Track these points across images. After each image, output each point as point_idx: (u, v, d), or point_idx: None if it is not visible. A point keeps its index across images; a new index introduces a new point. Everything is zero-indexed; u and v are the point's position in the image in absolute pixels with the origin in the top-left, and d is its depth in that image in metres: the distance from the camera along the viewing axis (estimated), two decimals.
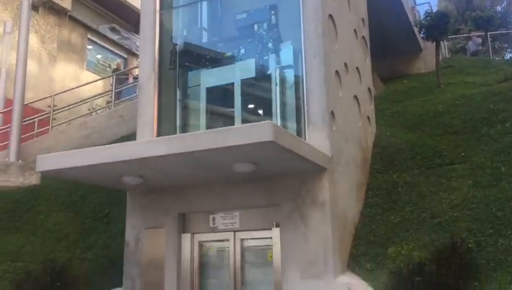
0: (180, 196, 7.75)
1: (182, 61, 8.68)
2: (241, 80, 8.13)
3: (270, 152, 5.89)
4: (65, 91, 15.47)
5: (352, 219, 7.70)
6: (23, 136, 12.36)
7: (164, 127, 8.30)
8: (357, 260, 7.18)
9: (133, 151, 6.22)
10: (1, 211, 10.17)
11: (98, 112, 15.53)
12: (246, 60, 8.25)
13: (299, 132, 7.37)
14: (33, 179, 11.14)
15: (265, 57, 8.04)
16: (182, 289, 7.52)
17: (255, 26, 8.23)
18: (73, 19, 19.18)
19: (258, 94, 8.31)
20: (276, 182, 7.16)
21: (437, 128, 9.94)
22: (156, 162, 6.32)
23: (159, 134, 8.14)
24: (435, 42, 14.62)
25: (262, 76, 8.05)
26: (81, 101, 15.39)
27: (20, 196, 10.59)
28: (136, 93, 13.85)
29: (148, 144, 6.43)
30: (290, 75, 7.91)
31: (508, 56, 28.59)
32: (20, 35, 12.50)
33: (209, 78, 8.49)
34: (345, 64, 8.40)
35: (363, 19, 10.15)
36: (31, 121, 13.52)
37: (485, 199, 7.24)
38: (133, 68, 18.61)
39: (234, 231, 7.52)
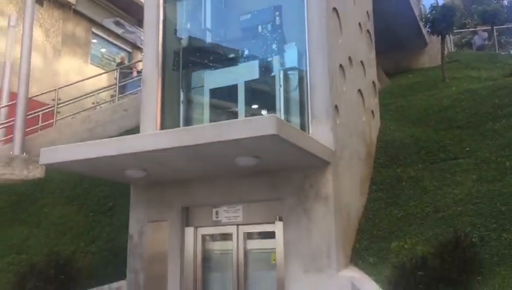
0: (183, 189, 7.76)
1: (185, 56, 8.65)
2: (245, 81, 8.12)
3: (273, 145, 5.88)
4: (69, 85, 15.47)
5: (355, 213, 7.69)
6: (27, 130, 12.38)
7: (168, 120, 8.29)
8: (360, 254, 7.17)
9: (136, 144, 6.22)
10: (5, 204, 10.21)
11: (102, 105, 15.54)
12: (249, 62, 8.19)
13: (303, 126, 7.35)
14: (37, 172, 11.17)
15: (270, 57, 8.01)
16: (185, 282, 7.54)
17: (259, 28, 8.19)
18: (77, 13, 19.16)
19: (261, 88, 8.27)
20: (279, 175, 7.15)
21: (442, 123, 9.90)
22: (159, 156, 6.31)
23: (162, 127, 8.13)
24: (440, 36, 14.53)
25: (266, 70, 8.02)
26: (86, 95, 15.39)
27: (24, 189, 10.63)
28: (140, 87, 13.85)
29: (151, 137, 6.43)
30: (293, 68, 7.87)
31: None
32: (25, 28, 12.49)
33: (213, 77, 8.46)
34: (349, 58, 8.37)
35: (367, 12, 10.09)
36: (36, 114, 13.54)
37: (489, 194, 7.21)
38: (137, 62, 18.59)
39: (237, 225, 7.52)
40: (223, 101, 8.52)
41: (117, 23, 20.89)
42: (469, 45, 23.34)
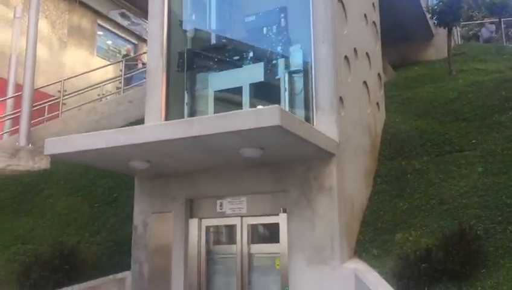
0: (187, 181, 7.76)
1: (190, 56, 8.57)
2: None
3: (277, 137, 5.86)
4: (74, 76, 15.51)
5: (359, 205, 7.67)
6: (33, 121, 12.43)
7: (172, 111, 8.29)
8: (364, 246, 7.16)
9: (140, 135, 6.21)
10: (11, 194, 10.28)
11: (108, 97, 15.57)
12: (255, 64, 8.12)
13: (308, 119, 7.31)
14: (43, 164, 11.23)
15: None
16: (189, 273, 7.56)
17: (264, 29, 8.13)
18: (83, 5, 19.18)
19: (266, 90, 8.18)
20: (283, 167, 7.13)
21: (447, 116, 9.83)
22: (163, 147, 6.31)
23: (167, 118, 8.12)
24: (447, 28, 14.41)
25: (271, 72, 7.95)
26: (91, 86, 15.42)
27: (29, 180, 10.69)
28: (145, 79, 13.85)
29: (155, 128, 6.42)
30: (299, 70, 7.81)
31: None
32: (30, 20, 12.51)
33: (217, 79, 8.41)
34: (355, 50, 8.31)
35: (373, 3, 10.01)
36: (41, 106, 13.59)
37: (495, 186, 7.17)
38: (142, 54, 18.60)
39: (241, 216, 7.53)
40: (228, 104, 8.45)
41: (123, 15, 20.90)
42: (476, 38, 23.15)
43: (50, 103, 13.88)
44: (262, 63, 7.99)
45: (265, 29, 8.15)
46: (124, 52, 19.34)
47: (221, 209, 7.68)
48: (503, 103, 9.49)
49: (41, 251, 8.09)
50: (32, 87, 12.25)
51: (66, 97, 14.19)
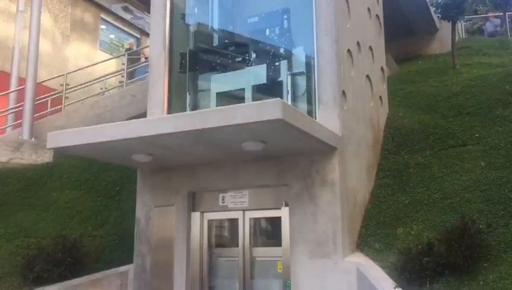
0: (190, 174, 7.77)
1: (192, 56, 8.55)
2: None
3: (278, 130, 5.85)
4: (77, 70, 15.50)
5: (362, 199, 7.66)
6: (36, 115, 12.44)
7: (175, 105, 8.28)
8: (366, 240, 7.16)
9: (142, 128, 6.21)
10: (15, 188, 10.30)
11: (111, 91, 15.57)
12: (256, 65, 8.10)
13: (310, 112, 7.29)
14: (46, 157, 11.25)
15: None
16: (191, 267, 7.58)
17: (267, 30, 8.09)
18: None
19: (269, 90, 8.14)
20: (285, 161, 7.13)
21: (451, 110, 9.78)
22: (165, 140, 6.31)
23: (169, 112, 8.12)
24: (451, 22, 14.33)
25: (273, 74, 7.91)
26: (94, 80, 15.42)
27: (33, 173, 10.71)
28: (148, 72, 13.85)
29: (157, 121, 6.41)
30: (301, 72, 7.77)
31: None
32: (33, 13, 12.50)
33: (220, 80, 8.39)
34: (358, 43, 8.28)
35: None
36: (44, 99, 13.60)
37: (498, 181, 7.14)
38: (145, 48, 18.55)
39: (243, 210, 7.53)
40: (230, 102, 8.40)
41: (125, 9, 20.85)
42: (480, 32, 23.01)
43: (53, 96, 13.88)
44: (264, 65, 7.94)
45: (267, 26, 8.10)
46: (126, 46, 19.29)
47: (223, 203, 7.69)
48: (507, 97, 9.44)
49: (45, 244, 8.11)
50: (35, 81, 12.27)
51: (68, 91, 14.18)
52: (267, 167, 7.24)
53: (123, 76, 15.54)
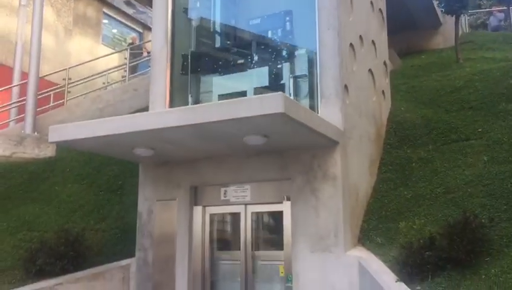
0: (192, 168, 7.77)
1: (194, 58, 8.52)
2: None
3: (281, 124, 5.84)
4: (79, 64, 15.50)
5: (364, 193, 7.65)
6: (39, 109, 12.45)
7: (177, 99, 8.27)
8: (368, 234, 7.15)
9: (144, 122, 6.21)
10: (17, 182, 10.32)
11: (113, 85, 15.57)
12: (258, 67, 8.05)
13: (312, 107, 7.28)
14: (48, 151, 11.27)
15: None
16: (193, 261, 7.60)
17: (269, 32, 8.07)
18: None
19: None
20: (287, 155, 7.12)
21: (454, 104, 9.75)
22: (167, 134, 6.30)
23: (171, 105, 8.11)
24: (454, 16, 14.26)
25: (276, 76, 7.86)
26: (96, 74, 15.41)
27: (35, 167, 10.73)
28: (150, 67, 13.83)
29: (159, 115, 6.42)
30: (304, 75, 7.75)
31: None
32: (35, 8, 12.49)
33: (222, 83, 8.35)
34: (360, 37, 8.25)
35: None
36: (47, 94, 13.61)
37: (501, 175, 7.12)
38: (147, 42, 18.54)
39: (245, 204, 7.54)
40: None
41: (128, 3, 20.83)
42: (484, 26, 22.92)
43: (55, 91, 13.88)
44: (267, 68, 7.91)
45: (270, 27, 8.08)
46: (129, 41, 19.28)
47: (225, 197, 7.69)
48: (510, 92, 9.41)
49: (47, 237, 8.13)
50: (37, 75, 12.27)
51: (71, 85, 14.18)
52: (269, 161, 7.24)
53: (125, 70, 15.53)
